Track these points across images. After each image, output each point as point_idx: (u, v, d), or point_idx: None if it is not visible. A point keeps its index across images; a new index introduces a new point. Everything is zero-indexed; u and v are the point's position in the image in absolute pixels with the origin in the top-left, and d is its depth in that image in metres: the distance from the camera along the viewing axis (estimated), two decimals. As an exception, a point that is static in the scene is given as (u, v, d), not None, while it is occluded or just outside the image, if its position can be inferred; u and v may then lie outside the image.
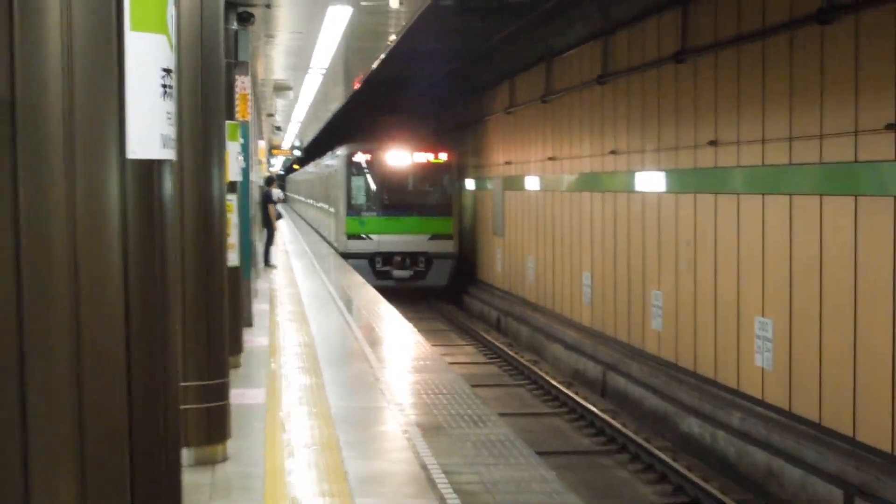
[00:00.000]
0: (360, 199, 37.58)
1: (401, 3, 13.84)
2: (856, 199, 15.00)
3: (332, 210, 42.14)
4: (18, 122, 4.11)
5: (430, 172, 38.00)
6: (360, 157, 37.53)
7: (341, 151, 38.83)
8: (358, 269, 32.40)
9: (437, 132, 44.54)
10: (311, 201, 64.91)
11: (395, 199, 37.39)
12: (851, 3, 14.80)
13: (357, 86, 30.16)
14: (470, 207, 41.92)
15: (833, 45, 15.48)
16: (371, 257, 36.50)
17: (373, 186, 37.60)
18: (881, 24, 14.30)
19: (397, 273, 36.33)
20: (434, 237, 37.07)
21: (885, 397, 14.34)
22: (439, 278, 37.14)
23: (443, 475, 8.92)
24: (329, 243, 43.11)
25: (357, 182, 37.52)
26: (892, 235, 14.15)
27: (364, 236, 36.80)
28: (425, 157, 37.60)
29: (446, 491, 8.43)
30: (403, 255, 36.66)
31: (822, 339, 15.98)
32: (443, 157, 37.72)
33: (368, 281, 28.69)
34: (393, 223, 36.85)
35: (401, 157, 37.44)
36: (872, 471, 14.04)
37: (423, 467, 9.17)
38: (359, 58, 21.93)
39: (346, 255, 36.12)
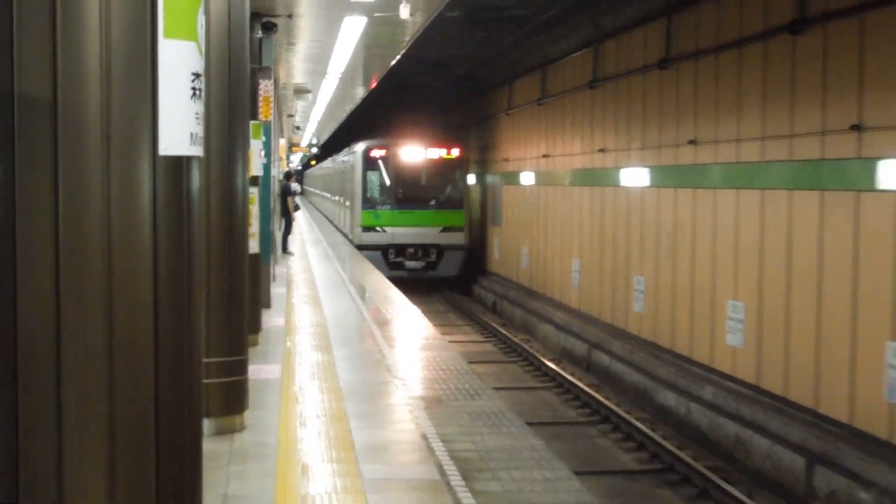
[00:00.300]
0: (374, 192, 36.00)
1: (411, 14, 13.84)
2: (822, 193, 15.01)
3: (347, 203, 40.60)
4: (60, 121, 4.13)
5: (442, 167, 36.35)
6: (376, 153, 35.95)
7: (358, 147, 37.23)
8: (372, 260, 31.29)
9: (449, 129, 43.13)
10: (327, 194, 63.16)
11: (409, 193, 35.86)
12: (820, 16, 14.81)
13: (372, 86, 30.00)
14: (478, 201, 40.38)
15: (803, 54, 15.48)
16: (385, 249, 35.02)
17: (387, 181, 35.97)
18: (846, 35, 14.31)
19: (410, 264, 34.93)
20: (445, 229, 35.64)
21: (844, 374, 14.37)
22: (450, 269, 35.61)
23: (441, 444, 8.93)
24: (344, 234, 41.51)
25: (372, 176, 35.97)
26: (852, 226, 14.18)
27: (378, 229, 35.38)
28: (437, 153, 36.06)
29: (444, 458, 8.45)
30: (416, 246, 35.32)
31: (789, 320, 16.00)
32: (454, 152, 36.20)
33: (382, 272, 27.68)
34: (406, 216, 35.39)
35: (414, 153, 35.91)
36: (832, 440, 14.07)
37: (424, 437, 9.19)
38: (373, 63, 21.92)
39: (360, 247, 34.76)
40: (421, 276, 34.85)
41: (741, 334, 17.55)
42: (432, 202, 36.03)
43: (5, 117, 4.17)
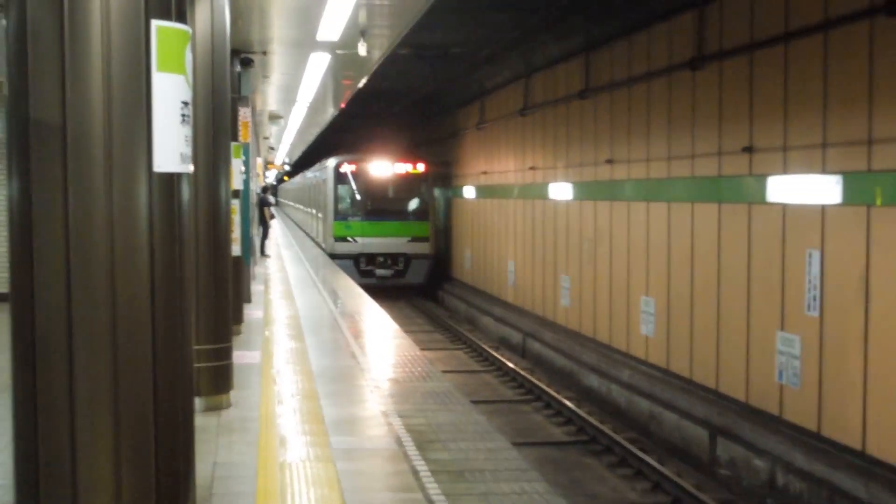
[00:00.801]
0: (346, 205, 33.49)
1: (368, 52, 13.88)
2: (719, 205, 15.15)
3: (320, 215, 38.06)
4: (69, 143, 4.14)
5: (408, 181, 33.90)
6: (346, 168, 33.58)
7: (329, 162, 34.86)
8: (344, 268, 29.04)
9: (414, 145, 41.41)
10: (300, 206, 60.16)
11: (378, 205, 33.39)
12: (715, 54, 14.93)
13: (337, 112, 29.66)
14: (441, 212, 37.32)
15: (701, 87, 15.62)
16: (356, 258, 32.64)
17: (357, 194, 33.51)
18: (737, 70, 14.44)
19: (379, 272, 32.67)
20: (413, 239, 33.16)
21: (741, 359, 14.49)
22: (417, 276, 33.29)
23: (398, 419, 8.94)
24: (317, 244, 38.97)
25: (343, 190, 33.50)
26: (746, 233, 14.32)
27: (350, 239, 32.88)
28: (404, 168, 33.78)
29: (401, 431, 8.47)
30: (385, 255, 32.94)
31: (693, 312, 16.12)
32: (420, 167, 33.87)
33: (354, 279, 25.82)
34: (376, 227, 32.99)
35: (383, 168, 33.61)
36: (731, 415, 14.19)
37: (384, 413, 9.20)
38: (337, 92, 21.87)
39: (333, 256, 32.49)
40: (390, 284, 32.88)
41: (653, 325, 17.67)
42: (400, 214, 33.68)
43: (22, 139, 4.18)
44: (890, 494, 10.68)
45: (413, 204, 33.73)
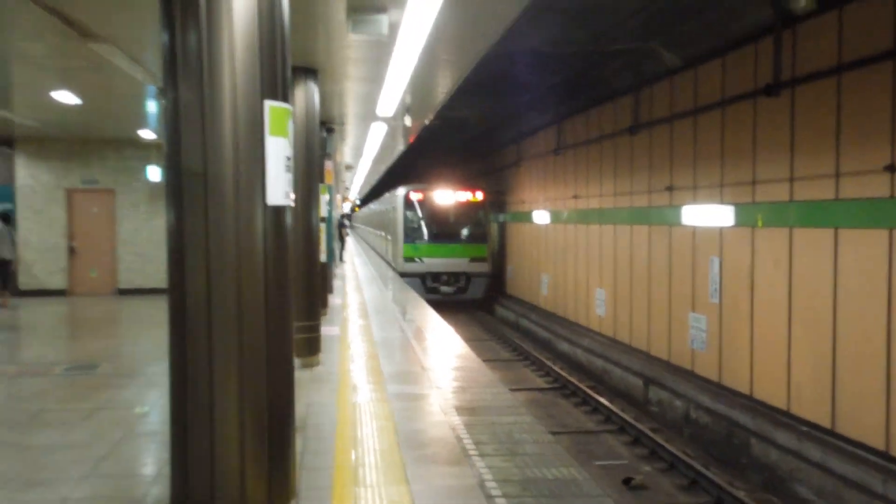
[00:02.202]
0: (413, 229, 27.41)
1: (412, 122, 13.92)
2: (649, 227, 15.07)
3: (390, 237, 31.87)
4: (208, 184, 4.12)
5: (469, 208, 27.62)
6: (414, 196, 27.62)
7: (399, 191, 28.88)
8: (412, 285, 24.57)
9: (473, 176, 34.16)
10: (369, 229, 53.19)
11: (442, 229, 27.33)
12: (646, 123, 14.87)
13: (391, 162, 29.09)
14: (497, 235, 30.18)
15: (637, 145, 15.55)
16: (423, 276, 26.94)
17: (424, 219, 27.43)
18: (663, 134, 14.38)
19: (443, 289, 27.07)
20: (473, 260, 27.09)
21: (665, 331, 14.41)
22: (477, 292, 27.33)
23: (433, 372, 8.92)
24: (387, 262, 32.53)
25: (411, 215, 27.53)
26: (668, 245, 14.23)
27: (417, 259, 27.01)
28: (465, 196, 27.70)
29: (435, 379, 8.45)
30: (448, 274, 27.15)
31: (632, 299, 16.03)
32: (479, 195, 27.77)
33: (420, 295, 21.93)
34: (440, 248, 27.08)
35: (446, 196, 27.55)
36: (659, 370, 14.09)
37: (423, 368, 9.17)
38: (391, 148, 21.88)
39: (402, 274, 27.01)
40: (453, 299, 27.30)
41: (604, 308, 17.59)
42: (461, 237, 27.44)
43: (176, 182, 4.17)
44: (769, 423, 10.57)
45: (473, 228, 27.63)
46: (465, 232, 27.26)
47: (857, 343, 9.33)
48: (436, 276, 26.89)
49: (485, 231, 27.49)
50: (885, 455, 8.81)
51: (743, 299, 11.78)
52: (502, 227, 28.52)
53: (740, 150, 11.79)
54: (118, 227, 17.54)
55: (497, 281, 28.57)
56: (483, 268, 27.11)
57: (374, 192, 57.88)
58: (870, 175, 9.06)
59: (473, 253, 27.08)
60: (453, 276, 27.03)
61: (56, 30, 7.26)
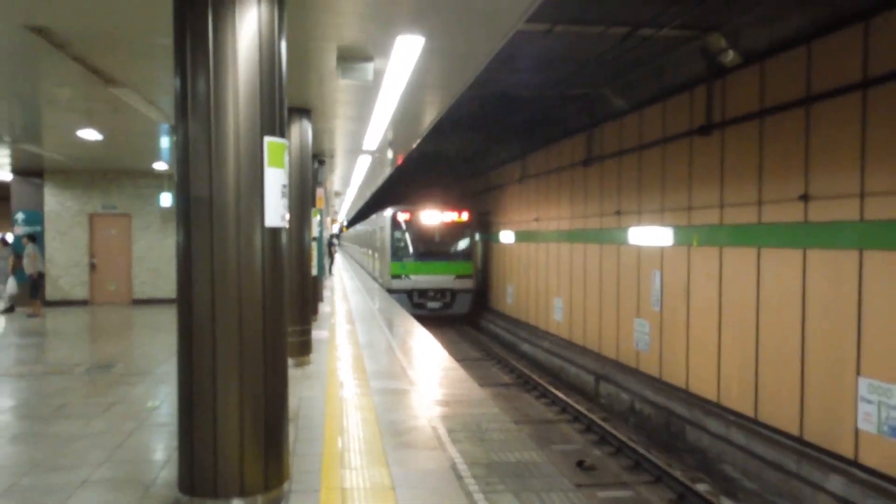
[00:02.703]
0: (401, 247, 25.29)
1: (393, 155, 13.98)
2: (601, 245, 15.20)
3: (378, 256, 29.42)
4: (213, 209, 4.16)
5: (454, 227, 25.40)
6: (402, 216, 25.53)
7: (387, 212, 26.74)
8: (399, 301, 22.57)
9: (459, 197, 30.62)
10: (356, 247, 49.95)
11: (428, 248, 25.26)
12: (598, 157, 15.03)
13: (374, 190, 28.46)
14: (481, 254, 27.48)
15: (590, 176, 15.71)
16: (409, 292, 24.87)
17: (411, 238, 25.30)
18: (612, 167, 14.54)
19: (430, 304, 25.05)
20: (458, 277, 24.93)
21: (613, 333, 14.50)
22: (462, 308, 25.10)
23: (411, 372, 8.93)
24: (375, 279, 29.67)
25: (399, 234, 25.39)
26: (616, 261, 14.36)
27: (404, 276, 24.98)
28: (451, 216, 25.52)
29: (413, 376, 8.46)
30: (434, 290, 25.05)
31: (585, 307, 16.13)
32: (464, 215, 25.50)
33: (407, 310, 20.12)
34: (427, 266, 24.98)
35: (432, 216, 25.45)
36: (608, 368, 14.18)
37: (403, 367, 9.18)
38: (375, 175, 21.87)
39: (390, 291, 24.74)
40: (439, 314, 25.09)
41: (562, 314, 17.69)
42: (447, 255, 25.23)
43: (185, 207, 4.21)
44: (702, 413, 10.67)
45: (458, 246, 25.39)
46: (451, 250, 25.24)
47: (777, 344, 9.49)
48: (422, 293, 24.89)
49: (470, 249, 25.44)
50: (799, 440, 8.95)
51: (680, 307, 11.92)
52: (483, 246, 27.17)
53: (678, 180, 11.97)
54: (133, 246, 17.56)
55: (481, 296, 26.83)
56: (468, 284, 25.16)
57: (361, 215, 56.44)
58: (787, 203, 9.25)
59: (459, 270, 25.10)
60: (439, 293, 25.00)
61: (81, 77, 7.29)
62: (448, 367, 9.25)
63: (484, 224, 26.59)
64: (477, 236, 24.98)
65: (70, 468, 5.09)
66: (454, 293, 24.77)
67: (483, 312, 25.90)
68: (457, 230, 25.30)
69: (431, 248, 25.08)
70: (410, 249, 25.02)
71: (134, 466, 5.16)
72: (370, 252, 34.19)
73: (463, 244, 25.09)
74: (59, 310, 15.97)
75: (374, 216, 34.56)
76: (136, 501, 4.46)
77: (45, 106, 9.16)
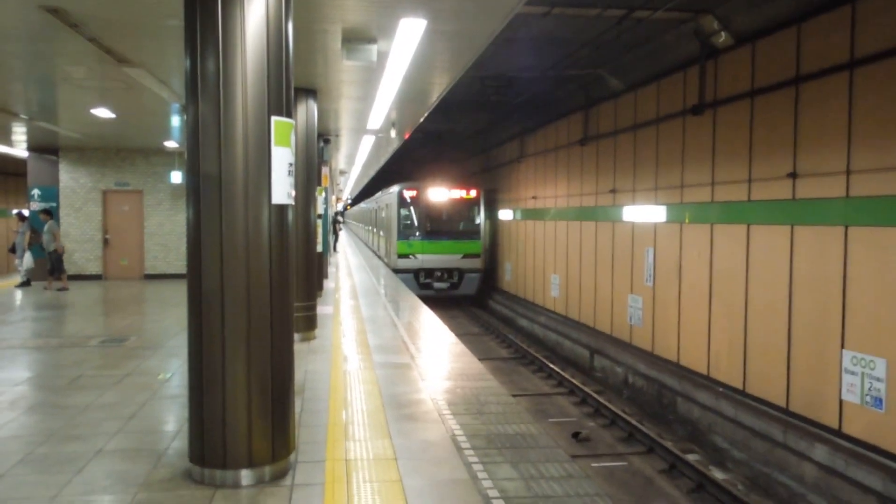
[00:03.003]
0: (408, 226, 23.46)
1: (397, 135, 13.87)
2: (596, 223, 15.14)
3: (384, 234, 26.99)
4: (223, 186, 4.12)
5: (462, 205, 23.59)
6: (408, 193, 23.62)
7: (394, 189, 24.57)
8: (405, 281, 20.95)
9: (466, 173, 29.08)
10: (361, 225, 47.27)
11: (436, 226, 23.44)
12: (594, 136, 14.92)
13: (378, 168, 27.47)
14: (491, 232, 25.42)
15: (586, 154, 15.61)
16: (416, 272, 23.06)
17: (418, 216, 23.46)
18: (608, 145, 14.44)
19: (437, 285, 23.19)
20: (466, 256, 23.12)
21: (608, 309, 14.50)
22: (469, 288, 23.31)
23: (413, 346, 8.92)
24: (381, 258, 27.32)
25: (406, 213, 23.53)
26: (611, 238, 14.31)
27: (411, 256, 23.09)
28: (459, 193, 23.64)
29: (414, 352, 8.46)
30: (442, 270, 23.20)
31: (581, 283, 16.12)
32: (472, 193, 23.69)
33: (413, 291, 19.24)
34: (434, 245, 23.16)
35: (440, 193, 23.55)
36: (602, 342, 14.19)
37: (404, 342, 9.18)
38: (379, 155, 21.76)
39: (396, 271, 22.79)
40: (446, 295, 23.40)
41: (559, 289, 17.67)
42: (455, 234, 23.42)
43: (195, 184, 4.16)
44: (693, 385, 10.69)
45: (466, 225, 23.58)
46: (458, 229, 23.50)
47: (765, 318, 9.47)
48: (429, 273, 23.18)
49: (478, 228, 23.58)
50: (785, 411, 8.96)
51: (672, 283, 11.90)
52: (489, 224, 25.48)
53: (671, 159, 11.89)
54: (145, 222, 17.51)
55: (489, 276, 25.02)
56: (476, 264, 23.37)
57: (366, 192, 55.02)
58: (776, 181, 9.18)
59: (467, 249, 23.35)
60: (446, 272, 23.26)
61: (96, 56, 7.21)
62: (448, 342, 9.24)
63: (489, 202, 25.19)
64: (482, 214, 23.65)
65: (85, 438, 5.08)
66: (462, 273, 23.23)
67: (486, 290, 24.90)
68: (465, 208, 23.68)
69: (439, 227, 23.51)
70: (417, 228, 23.45)
71: (146, 437, 5.14)
72: (375, 230, 32.13)
73: (471, 222, 23.56)
74: (74, 284, 15.94)
75: (379, 193, 32.31)
76: (148, 471, 4.44)
77: (60, 84, 9.07)
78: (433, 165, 31.94)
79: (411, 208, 23.55)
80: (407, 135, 14.76)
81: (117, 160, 17.34)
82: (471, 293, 23.48)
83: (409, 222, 23.48)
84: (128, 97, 9.77)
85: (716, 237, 10.61)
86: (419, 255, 23.14)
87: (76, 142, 15.82)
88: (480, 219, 23.54)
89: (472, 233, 23.40)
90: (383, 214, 27.14)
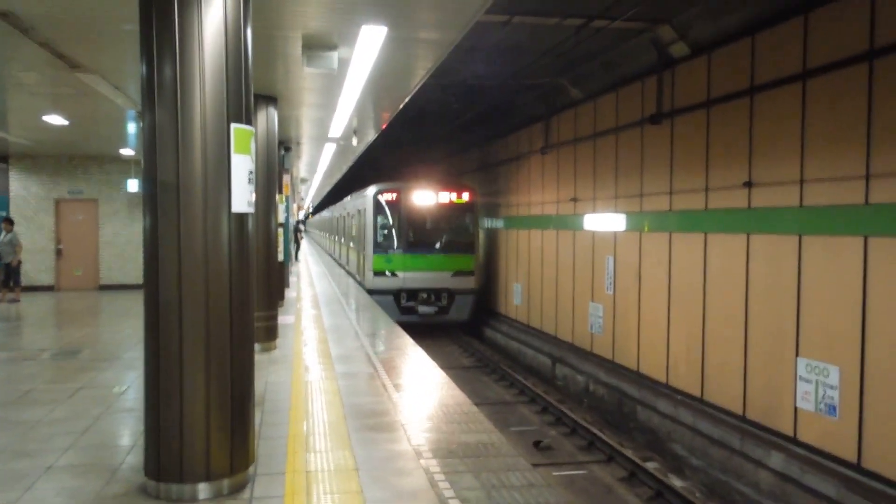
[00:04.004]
0: (386, 236, 19.09)
1: (357, 143, 13.84)
2: (557, 231, 15.25)
3: (356, 246, 22.35)
4: (181, 194, 4.06)
5: (453, 211, 19.27)
6: (386, 196, 19.21)
7: (369, 191, 19.73)
8: (383, 305, 16.65)
9: (458, 174, 24.10)
10: (326, 234, 42.18)
11: (420, 237, 19.05)
12: (554, 144, 15.05)
13: (340, 176, 27.19)
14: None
15: (547, 163, 15.74)
16: (396, 293, 18.65)
17: (399, 224, 19.07)
18: (568, 153, 14.57)
19: (422, 309, 18.64)
20: (457, 274, 18.76)
21: (569, 317, 14.60)
22: (460, 313, 18.82)
23: (374, 355, 8.88)
24: (353, 276, 22.71)
25: (383, 220, 19.14)
26: (572, 246, 14.43)
27: (389, 273, 18.70)
28: (448, 197, 19.27)
29: (375, 362, 8.41)
30: (427, 291, 18.76)
31: (542, 291, 16.21)
32: (465, 196, 19.36)
33: (392, 316, 15.78)
34: (418, 260, 18.76)
35: (426, 197, 19.17)
36: (564, 351, 14.28)
37: (366, 353, 9.13)
38: (340, 163, 21.63)
39: (371, 292, 18.36)
40: (432, 321, 18.86)
41: (521, 298, 17.73)
42: (443, 246, 19.02)
43: (152, 192, 4.10)
44: (652, 394, 10.81)
45: (457, 235, 19.17)
46: (448, 240, 19.12)
47: (722, 327, 9.64)
48: (412, 294, 18.70)
49: (472, 239, 19.17)
50: (742, 418, 9.12)
51: (632, 291, 12.04)
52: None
53: (631, 168, 12.05)
54: (100, 232, 17.16)
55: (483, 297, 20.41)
56: (469, 283, 18.84)
57: (330, 199, 49.54)
58: (731, 190, 9.37)
59: (458, 265, 18.86)
60: (433, 294, 18.74)
61: (47, 62, 7.07)
62: (410, 351, 9.21)
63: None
64: (475, 223, 19.51)
65: (35, 454, 4.93)
66: (452, 294, 18.82)
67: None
68: (456, 215, 19.35)
69: (424, 238, 19.09)
70: (397, 239, 18.95)
71: (100, 452, 5.02)
72: (344, 241, 27.21)
73: (463, 233, 19.25)
74: (25, 296, 15.52)
75: (348, 198, 27.16)
76: (101, 487, 4.33)
77: (11, 90, 8.87)
78: (410, 165, 28.25)
79: (390, 215, 19.18)
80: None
81: (70, 168, 16.98)
82: (463, 319, 18.99)
83: (386, 232, 19.15)
84: (81, 104, 9.59)
85: (674, 246, 10.77)
86: (400, 273, 18.71)
87: (27, 149, 15.46)
88: (474, 228, 19.40)
89: (465, 245, 19.09)
90: (354, 222, 22.77)
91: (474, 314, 19.43)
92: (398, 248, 18.88)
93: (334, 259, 29.57)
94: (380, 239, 18.97)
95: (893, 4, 7.10)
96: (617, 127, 12.39)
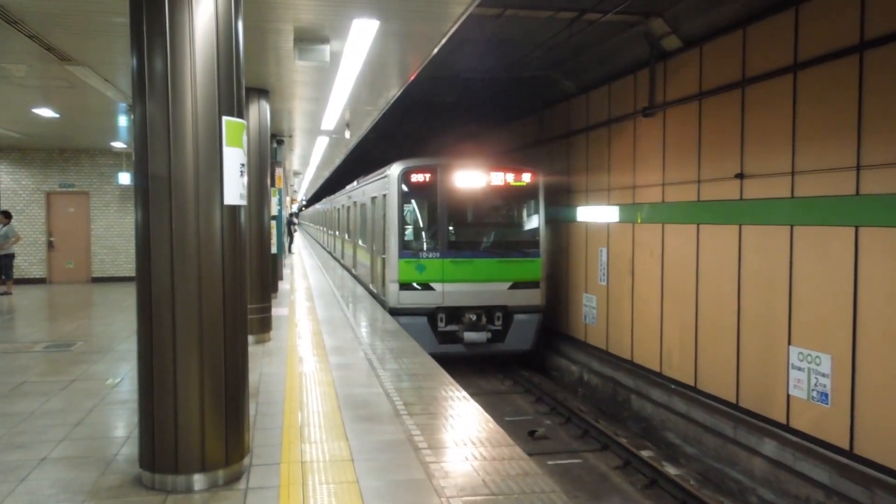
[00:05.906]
0: (417, 234, 13.18)
1: (350, 136, 13.80)
2: (551, 223, 15.27)
3: (374, 247, 15.34)
4: (173, 187, 4.06)
5: (510, 199, 13.58)
6: (419, 177, 13.04)
7: (393, 170, 13.21)
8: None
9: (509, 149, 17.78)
10: (324, 230, 36.04)
11: (465, 235, 13.37)
12: (546, 138, 15.06)
13: (334, 168, 26.77)
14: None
15: (542, 154, 15.74)
16: (432, 314, 12.82)
17: (436, 217, 13.11)
18: (561, 145, 14.57)
19: (469, 335, 12.73)
20: (516, 286, 13.04)
21: (564, 309, 14.61)
22: (522, 341, 13.17)
23: (367, 346, 8.90)
24: (366, 288, 16.14)
25: (413, 211, 13.34)
26: (566, 238, 14.45)
27: (422, 286, 12.76)
28: (503, 178, 13.33)
29: (369, 353, 8.43)
30: (477, 310, 12.92)
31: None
32: (526, 177, 13.41)
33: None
34: (462, 267, 12.88)
35: (472, 178, 13.17)
36: (558, 342, 14.30)
37: (360, 343, 9.14)
38: (331, 158, 21.60)
39: (396, 312, 12.59)
40: (483, 352, 13.16)
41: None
42: (497, 248, 13.28)
43: (144, 185, 4.10)
44: (646, 383, 10.87)
45: (518, 233, 13.68)
46: (504, 239, 13.56)
47: (714, 316, 9.70)
48: (455, 315, 13.05)
49: (536, 237, 13.55)
50: (735, 406, 9.19)
51: (625, 282, 12.08)
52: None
53: (623, 160, 12.08)
54: (92, 224, 17.13)
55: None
56: (533, 298, 13.32)
57: (334, 182, 40.45)
58: (724, 181, 9.41)
59: (518, 274, 13.24)
60: (484, 314, 13.10)
61: (37, 54, 7.05)
62: (404, 342, 9.24)
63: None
64: (543, 215, 13.82)
65: (28, 446, 4.95)
66: (509, 314, 13.26)
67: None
68: (515, 204, 13.90)
69: (470, 236, 13.56)
70: (434, 237, 13.23)
71: (94, 443, 5.03)
72: (352, 241, 20.38)
73: (526, 228, 13.77)
74: (17, 288, 15.49)
75: (355, 183, 20.94)
76: (96, 478, 4.35)
77: (0, 83, 8.83)
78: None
79: (423, 203, 13.52)
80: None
81: (61, 161, 16.94)
82: (525, 349, 13.45)
83: (418, 228, 13.46)
84: (72, 96, 9.56)
85: (667, 237, 10.82)
86: (437, 286, 12.95)
87: (17, 142, 15.41)
88: (540, 222, 13.69)
89: (528, 245, 13.52)
90: (369, 215, 16.28)
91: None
92: (435, 250, 13.07)
93: (343, 265, 23.63)
94: (408, 237, 13.22)
95: (884, -5, 7.14)
96: (609, 119, 12.40)
